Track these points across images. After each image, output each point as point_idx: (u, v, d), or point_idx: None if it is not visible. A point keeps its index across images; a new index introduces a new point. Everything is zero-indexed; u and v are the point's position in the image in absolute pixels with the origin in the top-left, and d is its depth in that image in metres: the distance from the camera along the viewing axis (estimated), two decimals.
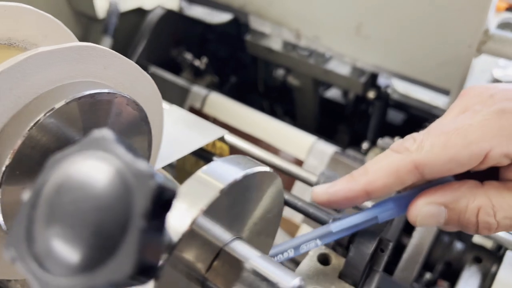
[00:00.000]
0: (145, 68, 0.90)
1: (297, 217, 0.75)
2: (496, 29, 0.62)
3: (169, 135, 0.50)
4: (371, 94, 0.84)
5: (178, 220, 0.26)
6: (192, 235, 0.27)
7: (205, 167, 0.30)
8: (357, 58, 0.75)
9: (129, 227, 0.19)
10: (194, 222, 0.27)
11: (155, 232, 0.20)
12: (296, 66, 0.85)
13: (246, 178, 0.29)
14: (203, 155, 0.55)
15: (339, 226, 0.43)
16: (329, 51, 0.77)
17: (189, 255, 0.28)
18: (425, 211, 0.41)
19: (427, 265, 0.75)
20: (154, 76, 0.90)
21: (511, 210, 0.39)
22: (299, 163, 0.76)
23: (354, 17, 0.71)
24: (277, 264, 0.30)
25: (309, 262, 0.48)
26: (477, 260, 0.74)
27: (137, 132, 0.40)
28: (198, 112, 0.84)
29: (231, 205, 0.30)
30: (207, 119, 0.86)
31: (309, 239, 0.43)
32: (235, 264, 0.30)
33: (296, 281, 0.29)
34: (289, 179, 0.55)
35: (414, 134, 0.42)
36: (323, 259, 0.48)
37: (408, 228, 0.72)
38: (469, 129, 0.39)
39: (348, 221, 0.43)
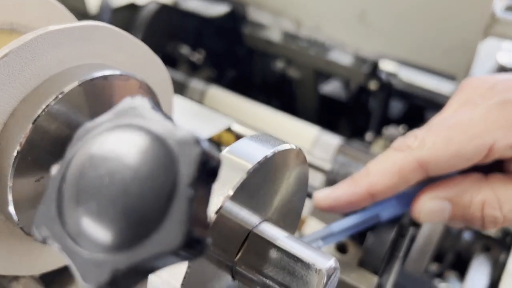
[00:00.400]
0: None
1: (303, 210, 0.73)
2: (503, 11, 0.61)
3: None
4: (372, 85, 0.83)
5: None
6: (220, 220, 0.25)
7: (229, 147, 0.28)
8: (360, 47, 0.74)
9: (175, 196, 0.17)
10: (221, 208, 0.25)
11: (201, 203, 0.18)
12: (296, 58, 0.84)
13: (274, 156, 0.28)
14: None
15: (340, 226, 0.42)
16: (331, 40, 0.76)
17: (217, 241, 0.26)
18: (429, 207, 0.40)
19: (436, 256, 0.74)
20: None
21: None
22: None
23: (356, 4, 0.70)
24: (309, 246, 0.28)
25: (327, 251, 0.46)
26: (486, 249, 0.74)
27: None
28: None
29: (259, 185, 0.28)
30: None
31: (311, 240, 0.41)
32: (266, 247, 0.28)
33: (332, 262, 0.27)
34: None
35: (416, 131, 0.41)
36: (341, 248, 0.47)
37: None
38: (471, 123, 0.38)
39: (349, 221, 0.42)
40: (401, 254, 0.44)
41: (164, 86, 0.41)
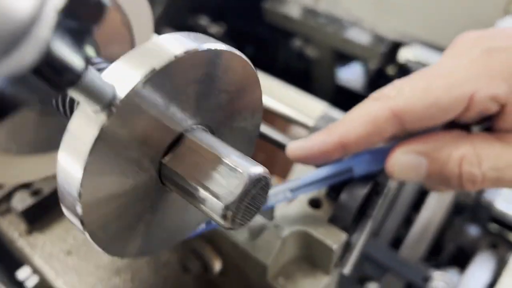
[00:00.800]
0: (159, 31, 0.89)
1: None
2: None
3: None
4: (390, 70, 0.80)
5: (122, 80, 0.24)
6: (139, 102, 0.24)
7: (156, 37, 0.27)
8: (377, 23, 0.72)
9: (39, 19, 0.16)
10: (133, 88, 0.24)
11: (73, 36, 0.17)
12: (313, 35, 0.82)
13: (210, 55, 0.27)
14: None
15: (311, 177, 0.40)
16: (348, 15, 0.74)
17: (135, 129, 0.25)
18: (404, 161, 0.37)
19: (438, 248, 0.70)
20: None
21: (498, 161, 0.35)
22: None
23: None
24: (242, 155, 0.27)
25: (299, 204, 0.44)
26: (492, 246, 0.69)
27: (117, 40, 0.37)
28: None
29: (193, 86, 0.27)
30: None
31: (279, 191, 0.40)
32: (197, 151, 0.27)
33: (258, 169, 0.26)
34: (284, 123, 0.51)
35: (396, 81, 0.38)
36: (314, 203, 0.45)
37: (419, 205, 0.68)
38: (452, 71, 0.35)
39: (320, 172, 0.40)
40: (374, 213, 0.42)
41: (139, 10, 0.40)
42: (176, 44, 0.25)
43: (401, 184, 0.67)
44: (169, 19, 0.89)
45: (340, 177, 0.40)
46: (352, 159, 0.40)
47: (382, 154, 0.39)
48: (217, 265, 0.46)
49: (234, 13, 0.91)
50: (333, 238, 0.41)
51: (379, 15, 0.70)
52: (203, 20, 0.89)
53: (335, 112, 0.72)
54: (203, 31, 0.89)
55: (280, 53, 0.92)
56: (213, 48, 0.26)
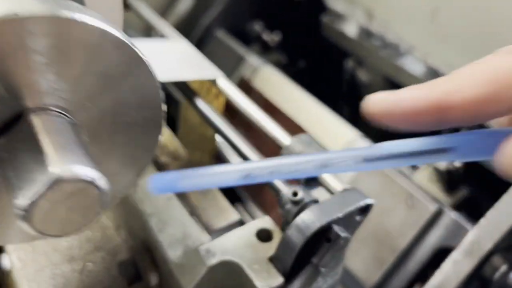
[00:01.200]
0: (212, 31, 0.86)
1: None
2: None
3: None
4: None
5: None
6: None
7: None
8: (429, 52, 0.63)
9: None
10: None
11: None
12: (366, 57, 0.75)
13: (60, 23, 0.22)
14: (187, 93, 0.48)
15: (396, 147, 0.27)
16: (400, 40, 0.66)
17: None
18: None
19: None
20: (218, 41, 0.85)
21: None
22: None
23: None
24: (78, 152, 0.22)
25: (245, 233, 0.38)
26: None
27: None
28: (246, 84, 0.77)
29: (34, 58, 0.22)
30: (253, 93, 0.79)
31: (347, 156, 0.27)
32: (29, 138, 0.23)
33: (80, 170, 0.21)
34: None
35: None
36: (264, 235, 0.38)
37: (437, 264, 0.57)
38: None
39: (410, 144, 0.27)
40: (319, 262, 0.35)
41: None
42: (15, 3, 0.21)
43: (417, 239, 0.57)
44: (224, 22, 0.86)
45: (435, 157, 0.27)
46: (456, 135, 0.27)
47: (498, 138, 0.26)
48: (153, 278, 0.42)
49: (291, 23, 0.86)
50: (265, 280, 0.35)
51: (431, 42, 0.61)
52: (258, 26, 0.85)
53: (363, 142, 0.65)
54: (257, 37, 0.85)
55: (332, 72, 0.85)
56: (63, 16, 0.22)
